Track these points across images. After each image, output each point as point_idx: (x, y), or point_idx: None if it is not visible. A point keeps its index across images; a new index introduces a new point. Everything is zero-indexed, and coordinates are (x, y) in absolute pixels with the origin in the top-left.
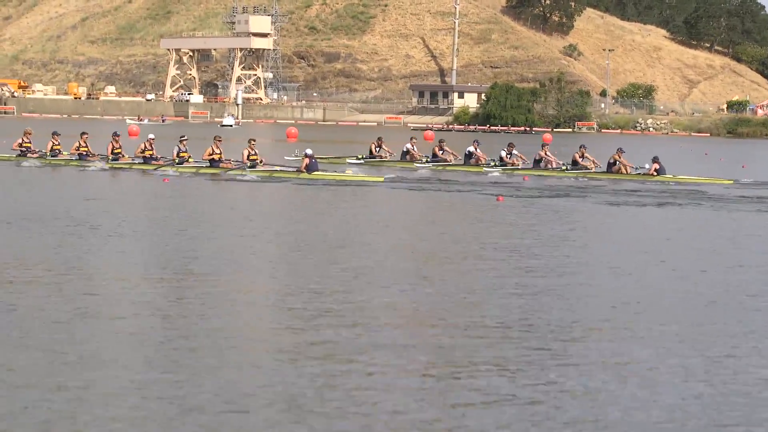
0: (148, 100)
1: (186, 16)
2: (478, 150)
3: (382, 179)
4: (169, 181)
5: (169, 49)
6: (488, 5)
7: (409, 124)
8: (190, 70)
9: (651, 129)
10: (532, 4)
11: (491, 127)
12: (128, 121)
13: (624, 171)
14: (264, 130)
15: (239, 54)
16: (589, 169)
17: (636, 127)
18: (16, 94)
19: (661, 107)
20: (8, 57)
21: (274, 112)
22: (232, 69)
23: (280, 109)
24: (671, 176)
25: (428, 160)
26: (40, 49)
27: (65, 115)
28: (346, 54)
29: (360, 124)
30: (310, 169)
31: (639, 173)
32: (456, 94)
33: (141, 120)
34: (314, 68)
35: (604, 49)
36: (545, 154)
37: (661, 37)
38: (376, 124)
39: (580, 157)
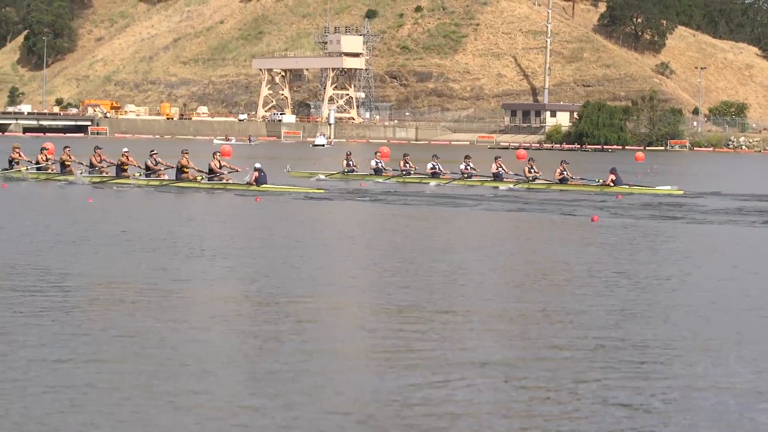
0: (240, 120)
1: (278, 36)
2: (438, 165)
3: (323, 191)
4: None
5: (261, 69)
6: (580, 24)
7: (480, 143)
8: (283, 90)
9: (743, 147)
10: (624, 22)
11: (584, 146)
12: (215, 141)
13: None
14: (356, 149)
15: (331, 74)
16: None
17: (728, 145)
18: (108, 115)
19: (754, 125)
20: (101, 78)
21: (366, 131)
22: (325, 89)
23: (373, 129)
24: (627, 186)
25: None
26: (132, 70)
27: (157, 136)
28: (438, 73)
29: (452, 143)
30: (258, 181)
31: (597, 184)
32: (548, 113)
33: (228, 140)
34: (406, 87)
35: (696, 67)
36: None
37: (753, 55)
38: (468, 143)
39: (528, 170)
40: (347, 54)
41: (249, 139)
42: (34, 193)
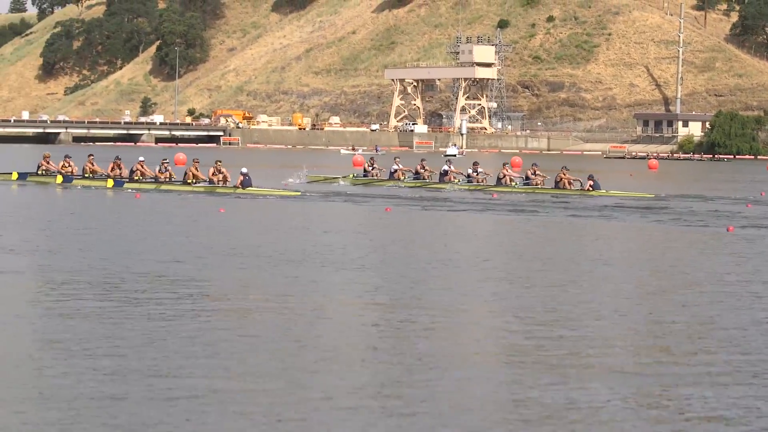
0: (372, 130)
1: (410, 47)
2: (452, 167)
3: (298, 193)
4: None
5: (393, 80)
6: (712, 33)
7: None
8: (415, 100)
9: None
10: (756, 32)
11: (716, 156)
12: (342, 151)
13: (568, 185)
14: (488, 159)
15: (463, 84)
16: (538, 185)
17: None
18: (240, 125)
19: None
20: (233, 88)
21: (498, 141)
22: (457, 99)
23: (505, 139)
24: (605, 191)
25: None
26: (264, 81)
27: (289, 146)
28: (570, 83)
29: (584, 153)
30: (244, 185)
31: (578, 189)
32: (680, 123)
33: (354, 150)
34: (538, 97)
35: None
36: (506, 171)
37: None
38: (600, 153)
39: (532, 174)
40: (479, 64)
41: (375, 149)
42: (157, 200)
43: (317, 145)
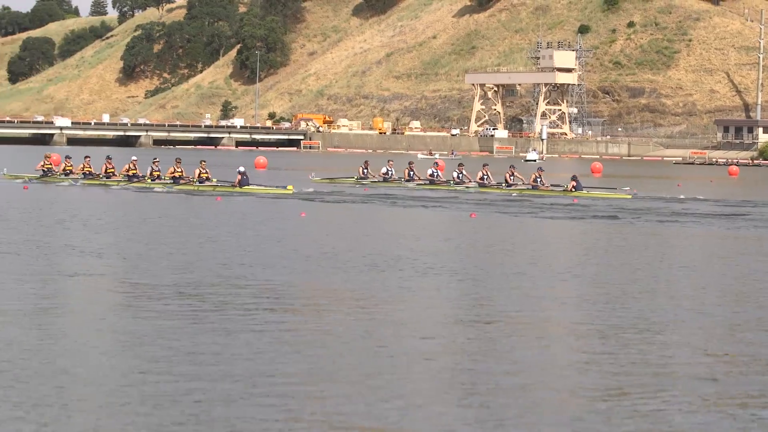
0: (453, 135)
1: (490, 52)
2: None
3: (290, 191)
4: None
5: (473, 84)
6: None
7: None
8: (495, 105)
9: None
10: None
11: None
12: (419, 156)
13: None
14: (568, 165)
15: (544, 89)
16: (518, 185)
17: None
18: (321, 129)
19: None
20: (313, 92)
21: (578, 146)
22: (537, 104)
23: (585, 144)
24: (586, 192)
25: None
26: (345, 85)
27: (370, 150)
28: (650, 89)
29: (665, 159)
30: (242, 183)
31: (560, 189)
32: (761, 129)
33: (431, 154)
34: (619, 103)
35: None
36: (486, 172)
37: None
38: (681, 159)
39: (510, 176)
40: (560, 69)
41: (452, 153)
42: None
43: (397, 150)
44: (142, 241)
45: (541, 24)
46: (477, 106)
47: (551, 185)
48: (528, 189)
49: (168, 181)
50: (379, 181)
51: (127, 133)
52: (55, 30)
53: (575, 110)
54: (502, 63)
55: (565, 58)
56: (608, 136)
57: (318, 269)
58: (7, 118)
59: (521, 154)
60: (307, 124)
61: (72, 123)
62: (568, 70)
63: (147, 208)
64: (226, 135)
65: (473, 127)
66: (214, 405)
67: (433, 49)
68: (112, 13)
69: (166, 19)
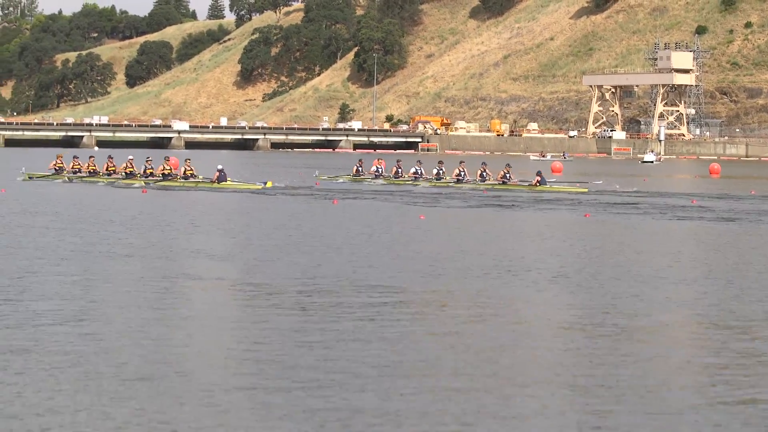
0: (570, 136)
1: (608, 53)
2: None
3: (269, 185)
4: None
5: (591, 86)
6: None
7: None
8: (613, 106)
9: None
10: None
11: None
12: (532, 157)
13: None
14: (686, 166)
15: (661, 90)
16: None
17: None
18: (438, 131)
19: None
20: (431, 95)
21: (696, 148)
22: (655, 105)
23: (703, 146)
24: (549, 186)
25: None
26: (462, 87)
27: (488, 152)
28: None
29: None
30: (219, 180)
31: (525, 184)
32: None
33: (543, 156)
34: (736, 104)
35: None
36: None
37: None
38: None
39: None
40: (677, 70)
41: (563, 155)
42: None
43: (515, 152)
44: (255, 243)
45: (658, 25)
46: (594, 107)
47: (519, 181)
48: (499, 185)
49: (158, 178)
50: (389, 177)
51: (245, 137)
52: (173, 34)
53: (693, 111)
54: (620, 64)
55: (682, 59)
56: (726, 137)
57: (436, 272)
58: (126, 122)
59: (638, 156)
60: (425, 127)
61: (190, 126)
62: (686, 71)
63: (242, 208)
64: (344, 138)
65: (591, 128)
66: (338, 408)
67: (550, 51)
68: (230, 17)
69: (283, 22)
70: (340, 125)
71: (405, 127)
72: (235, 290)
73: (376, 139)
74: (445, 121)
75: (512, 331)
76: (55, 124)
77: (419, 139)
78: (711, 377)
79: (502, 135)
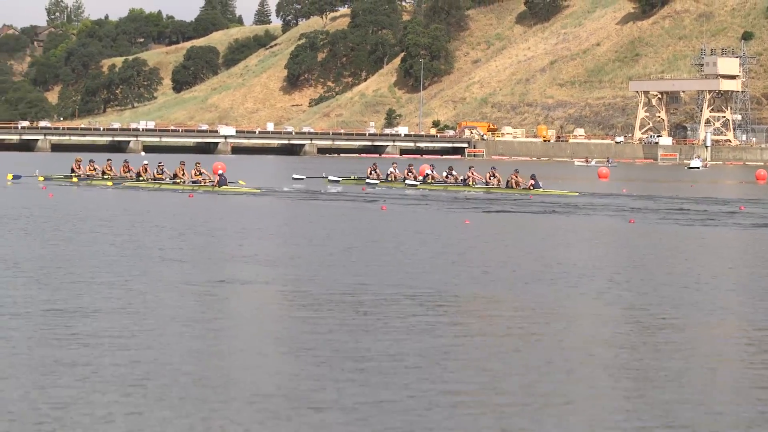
0: (617, 142)
1: (654, 59)
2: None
3: (259, 190)
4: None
5: (637, 92)
6: None
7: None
8: (659, 112)
9: None
10: None
11: None
12: (576, 163)
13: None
14: (732, 172)
15: (708, 96)
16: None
17: None
18: (485, 136)
19: None
20: (477, 100)
21: (743, 154)
22: (701, 111)
23: (749, 151)
24: (542, 189)
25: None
26: (509, 92)
27: (534, 158)
28: None
29: None
30: (220, 183)
31: (523, 188)
32: None
33: (588, 162)
34: None
35: None
36: (472, 173)
37: None
38: None
39: (491, 177)
40: (724, 76)
41: (608, 161)
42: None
43: (562, 157)
44: (304, 248)
45: (704, 31)
46: (641, 113)
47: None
48: (495, 187)
49: (167, 181)
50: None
51: (292, 142)
52: (219, 39)
53: (739, 117)
54: (666, 70)
55: (729, 64)
56: None
57: (482, 277)
58: (172, 127)
59: (685, 162)
60: (471, 132)
61: (236, 132)
62: (732, 77)
63: (291, 214)
64: (391, 143)
65: (637, 134)
66: (387, 415)
67: (596, 57)
68: (276, 22)
69: (329, 27)
70: (387, 131)
71: (451, 132)
72: (286, 296)
73: (422, 145)
74: (491, 126)
75: (566, 343)
76: (101, 129)
77: (466, 145)
78: None
79: (549, 141)
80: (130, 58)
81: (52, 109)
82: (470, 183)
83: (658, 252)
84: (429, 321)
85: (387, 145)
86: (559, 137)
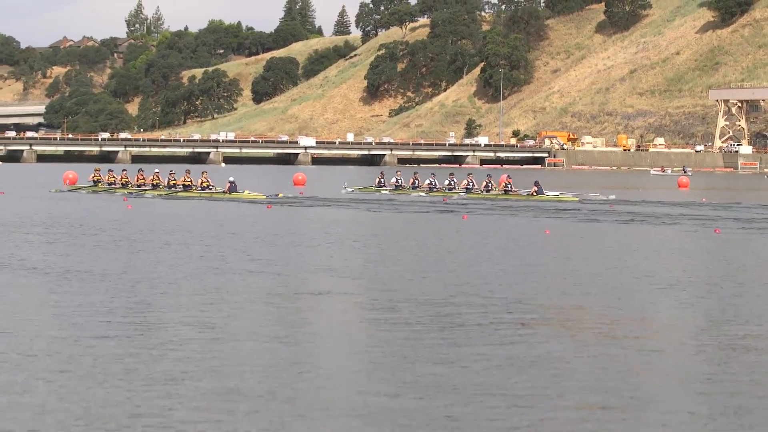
0: (697, 151)
1: (734, 67)
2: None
3: (264, 197)
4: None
5: (717, 100)
6: None
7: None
8: (739, 120)
9: None
10: None
11: None
12: (652, 172)
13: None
14: None
15: None
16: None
17: None
18: (565, 146)
19: None
20: (557, 109)
21: None
22: None
23: None
24: (546, 195)
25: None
26: (588, 102)
27: (614, 167)
28: None
29: None
30: (230, 190)
31: (525, 194)
32: None
33: (664, 171)
34: None
35: None
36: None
37: None
38: None
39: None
40: None
41: (683, 170)
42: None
43: (642, 167)
44: (387, 258)
45: None
46: (721, 122)
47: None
48: (501, 194)
49: (179, 189)
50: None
51: (371, 152)
52: (299, 50)
53: None
54: (746, 78)
55: None
56: None
57: (573, 289)
58: (252, 138)
59: (765, 170)
60: (551, 142)
61: (316, 142)
62: None
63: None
64: (471, 153)
65: (717, 143)
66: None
67: (676, 66)
68: (356, 33)
69: (409, 38)
70: (467, 140)
71: (531, 142)
72: (368, 306)
73: (502, 155)
74: (571, 136)
75: (652, 353)
76: (181, 140)
77: (546, 154)
78: None
79: (629, 150)
80: (210, 69)
81: (132, 120)
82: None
83: (746, 262)
84: (518, 332)
85: (467, 155)
86: (639, 146)
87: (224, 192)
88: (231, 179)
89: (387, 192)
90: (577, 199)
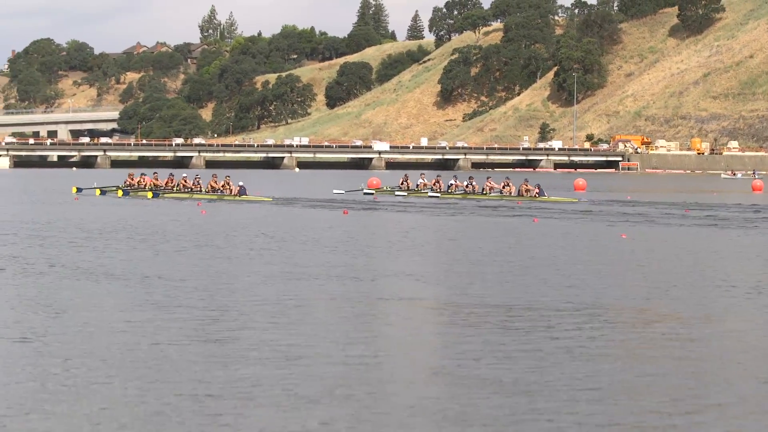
0: None
1: None
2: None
3: (270, 199)
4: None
5: None
6: None
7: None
8: None
9: None
10: None
11: None
12: (723, 175)
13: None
14: None
15: None
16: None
17: None
18: (639, 150)
19: None
20: (631, 113)
21: None
22: None
23: None
24: (547, 197)
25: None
26: (662, 105)
27: (688, 171)
28: None
29: None
30: (240, 193)
31: (527, 196)
32: None
33: (734, 174)
34: None
35: None
36: (489, 183)
37: None
38: None
39: (504, 186)
40: None
41: (753, 173)
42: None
43: (716, 170)
44: (455, 261)
45: None
46: None
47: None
48: (506, 196)
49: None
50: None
51: (446, 157)
52: (372, 55)
53: None
54: None
55: None
56: None
57: (654, 292)
58: (326, 143)
59: None
60: (625, 146)
61: (390, 147)
62: None
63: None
64: (544, 157)
65: None
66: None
67: (750, 69)
68: (429, 37)
69: (482, 42)
70: (541, 145)
71: (605, 146)
72: (435, 309)
73: (576, 159)
74: (645, 139)
75: (727, 357)
76: (255, 145)
77: (620, 158)
78: None
79: (703, 153)
80: (284, 74)
81: (206, 125)
82: (487, 192)
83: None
84: (592, 337)
85: (541, 159)
86: (713, 150)
87: (235, 195)
88: (240, 183)
89: (404, 194)
90: (576, 200)
